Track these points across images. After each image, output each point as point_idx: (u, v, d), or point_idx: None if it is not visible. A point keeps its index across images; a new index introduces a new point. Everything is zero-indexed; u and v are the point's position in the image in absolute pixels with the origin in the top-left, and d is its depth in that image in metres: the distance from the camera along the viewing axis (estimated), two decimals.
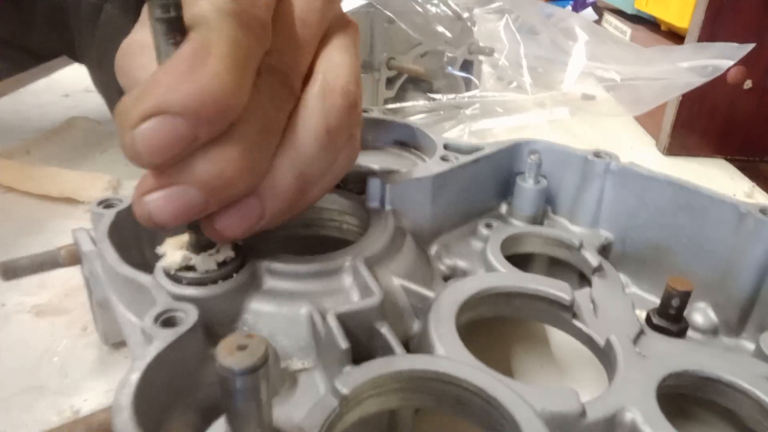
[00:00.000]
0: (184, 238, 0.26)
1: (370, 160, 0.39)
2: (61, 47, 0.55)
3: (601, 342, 0.27)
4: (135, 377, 0.19)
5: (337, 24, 0.27)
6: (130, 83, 0.24)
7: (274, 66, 0.23)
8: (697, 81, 0.57)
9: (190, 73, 0.19)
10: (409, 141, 0.42)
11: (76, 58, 0.55)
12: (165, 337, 0.20)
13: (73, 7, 0.46)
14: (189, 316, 0.22)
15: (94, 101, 0.68)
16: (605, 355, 0.27)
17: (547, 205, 0.39)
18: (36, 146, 0.58)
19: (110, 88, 0.46)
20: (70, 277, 0.38)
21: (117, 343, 0.33)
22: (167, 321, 0.22)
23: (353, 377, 0.21)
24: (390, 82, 0.65)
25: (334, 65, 0.25)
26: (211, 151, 0.20)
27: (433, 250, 0.35)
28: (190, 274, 0.25)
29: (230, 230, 0.23)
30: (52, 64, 0.74)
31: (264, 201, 0.23)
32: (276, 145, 0.23)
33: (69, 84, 0.74)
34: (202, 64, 0.19)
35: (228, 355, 0.15)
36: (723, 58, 0.57)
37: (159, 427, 0.20)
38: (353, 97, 0.25)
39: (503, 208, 0.40)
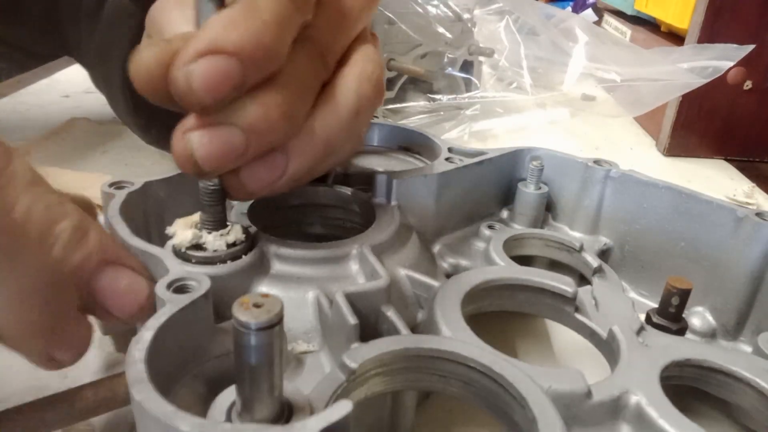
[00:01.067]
0: (195, 217, 0.26)
1: (375, 164, 0.40)
2: (55, 47, 0.54)
3: (604, 334, 0.27)
4: (149, 334, 0.19)
5: (367, 33, 0.29)
6: (159, 35, 0.26)
7: (314, 37, 0.25)
8: (697, 82, 0.58)
9: (243, 20, 0.21)
10: (413, 146, 0.42)
11: (73, 55, 0.54)
12: (178, 301, 0.21)
13: (71, 4, 0.46)
14: (201, 284, 0.22)
15: (94, 102, 0.68)
16: (608, 346, 0.27)
17: (548, 212, 0.40)
18: (36, 147, 0.58)
19: (112, 82, 0.45)
20: None
21: (117, 344, 0.33)
22: (180, 288, 0.22)
23: (361, 353, 0.21)
24: (390, 82, 0.66)
25: (370, 60, 0.27)
26: (257, 95, 0.22)
27: (436, 249, 0.35)
28: (200, 253, 0.25)
29: (253, 182, 0.24)
30: (52, 65, 0.74)
31: (290, 157, 0.24)
32: (309, 106, 0.25)
33: (69, 85, 0.74)
34: (253, 14, 0.21)
35: (245, 311, 0.15)
36: (723, 59, 0.57)
37: (168, 390, 0.20)
38: (380, 94, 0.27)
39: (504, 213, 0.40)
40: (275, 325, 0.16)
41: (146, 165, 0.54)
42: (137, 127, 0.46)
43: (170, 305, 0.20)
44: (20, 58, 0.59)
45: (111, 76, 0.43)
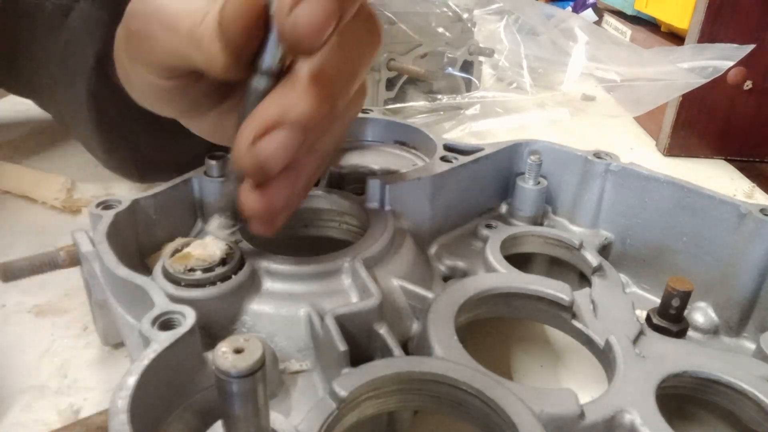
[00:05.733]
0: (182, 240, 0.26)
1: (370, 160, 0.40)
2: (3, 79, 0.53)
3: (601, 343, 0.27)
4: (132, 380, 0.19)
5: None
6: (147, 17, 0.26)
7: None
8: (697, 82, 0.57)
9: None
10: (409, 141, 0.42)
11: (18, 89, 0.53)
12: (162, 339, 0.20)
13: (30, 16, 0.44)
14: (187, 318, 0.22)
15: None
16: (605, 356, 0.27)
17: (548, 205, 0.39)
18: (28, 142, 0.58)
19: (75, 98, 0.41)
20: (70, 276, 0.38)
21: (117, 343, 0.33)
22: (165, 323, 0.22)
23: (351, 379, 0.21)
24: (390, 83, 0.65)
25: None
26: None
27: (433, 250, 0.35)
28: (189, 276, 0.25)
29: (278, 198, 0.24)
30: None
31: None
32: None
33: None
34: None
35: (225, 359, 0.15)
36: (723, 59, 0.57)
37: (156, 429, 0.20)
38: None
39: (503, 208, 0.40)
40: (257, 371, 0.15)
41: None
42: (101, 150, 0.44)
43: (155, 344, 0.20)
44: None
45: (75, 92, 0.41)
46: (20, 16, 0.45)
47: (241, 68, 0.23)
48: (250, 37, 0.22)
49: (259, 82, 0.23)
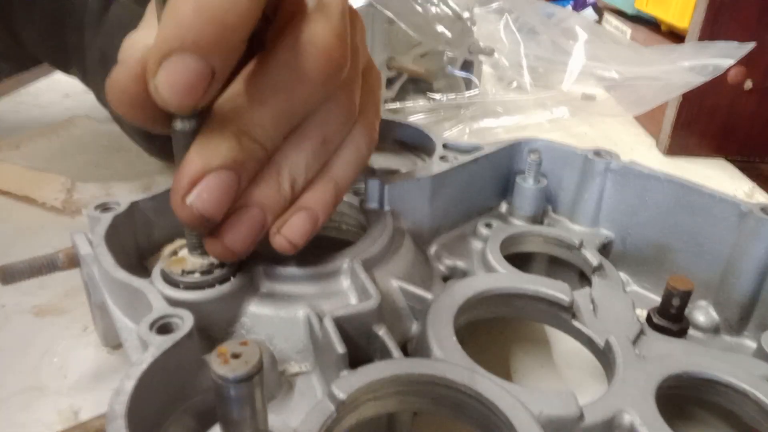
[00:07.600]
0: (177, 243, 0.26)
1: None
2: (53, 58, 0.54)
3: (601, 343, 0.27)
4: (130, 384, 0.19)
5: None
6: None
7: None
8: (698, 80, 0.57)
9: (191, 9, 0.19)
10: (408, 140, 0.42)
11: (67, 68, 0.54)
12: (160, 343, 0.20)
13: (76, 7, 0.46)
14: (185, 322, 0.22)
15: (94, 102, 0.68)
16: (604, 356, 0.27)
17: (548, 204, 0.39)
18: (28, 142, 0.58)
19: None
20: (70, 277, 0.38)
21: (117, 344, 0.33)
22: (163, 327, 0.22)
23: (350, 382, 0.21)
24: (390, 82, 0.65)
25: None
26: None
27: (433, 250, 0.35)
28: (187, 278, 0.25)
29: (238, 244, 0.24)
30: None
31: (264, 208, 0.24)
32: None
33: (69, 84, 0.73)
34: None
35: (222, 363, 0.16)
36: (723, 57, 0.57)
37: (158, 428, 0.20)
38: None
39: (503, 207, 0.40)
40: (254, 375, 0.16)
41: (117, 167, 0.54)
42: (141, 137, 0.45)
43: (153, 348, 0.20)
44: (21, 57, 0.59)
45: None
46: (66, 8, 0.46)
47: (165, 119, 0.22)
48: (142, 105, 0.21)
49: (180, 125, 0.22)
